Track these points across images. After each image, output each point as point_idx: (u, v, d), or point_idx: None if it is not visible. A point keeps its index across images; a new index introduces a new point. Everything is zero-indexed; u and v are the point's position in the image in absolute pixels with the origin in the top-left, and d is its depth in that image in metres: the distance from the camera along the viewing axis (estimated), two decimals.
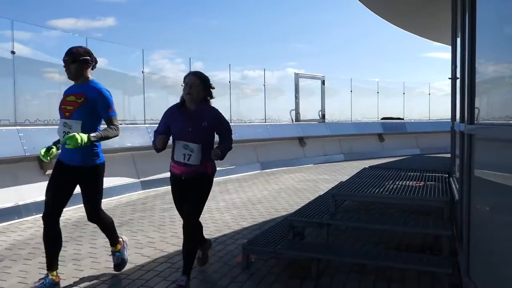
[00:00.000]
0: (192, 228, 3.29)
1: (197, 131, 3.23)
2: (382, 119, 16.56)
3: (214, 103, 3.44)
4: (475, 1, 2.99)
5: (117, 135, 3.30)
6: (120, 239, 3.68)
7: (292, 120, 13.37)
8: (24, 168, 6.03)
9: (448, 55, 6.46)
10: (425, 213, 5.12)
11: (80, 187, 3.37)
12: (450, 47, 6.21)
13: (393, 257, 3.55)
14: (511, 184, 1.97)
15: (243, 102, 12.99)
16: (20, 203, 5.75)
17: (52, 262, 3.28)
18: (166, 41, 52.17)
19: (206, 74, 3.39)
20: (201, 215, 3.38)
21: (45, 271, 3.30)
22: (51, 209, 3.24)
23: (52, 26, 41.14)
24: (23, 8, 40.97)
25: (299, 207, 4.82)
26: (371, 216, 5.17)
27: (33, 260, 4.00)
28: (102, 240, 4.46)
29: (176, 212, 3.59)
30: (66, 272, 3.64)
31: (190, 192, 3.27)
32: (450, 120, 6.44)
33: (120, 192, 7.24)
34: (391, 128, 15.21)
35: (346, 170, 10.40)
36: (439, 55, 42.37)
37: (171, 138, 3.39)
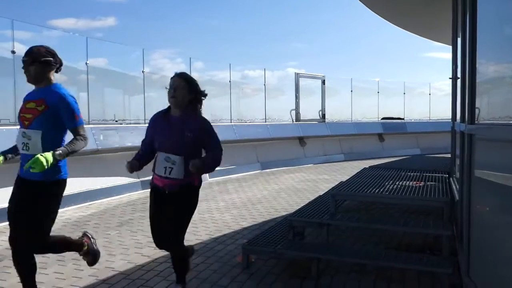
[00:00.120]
0: (179, 254, 3.06)
1: (179, 141, 2.87)
2: (382, 119, 16.57)
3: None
4: (476, 1, 2.99)
5: (85, 146, 2.90)
6: (84, 238, 3.22)
7: (292, 120, 13.37)
8: None
9: (449, 55, 6.47)
10: (425, 213, 5.12)
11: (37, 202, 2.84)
12: (450, 47, 6.21)
13: (393, 257, 3.55)
14: (511, 185, 1.97)
15: (244, 102, 13.04)
16: None
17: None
18: (166, 40, 52.31)
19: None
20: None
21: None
22: (15, 232, 2.80)
23: (52, 26, 41.11)
24: (23, 8, 41.09)
25: (299, 207, 4.82)
26: (371, 216, 5.17)
27: None
28: (103, 240, 4.46)
29: None
30: (66, 272, 3.63)
31: (173, 208, 2.89)
32: (450, 120, 6.43)
33: (120, 192, 7.23)
34: (391, 128, 15.20)
35: (346, 170, 10.39)
36: (439, 55, 42.39)
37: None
